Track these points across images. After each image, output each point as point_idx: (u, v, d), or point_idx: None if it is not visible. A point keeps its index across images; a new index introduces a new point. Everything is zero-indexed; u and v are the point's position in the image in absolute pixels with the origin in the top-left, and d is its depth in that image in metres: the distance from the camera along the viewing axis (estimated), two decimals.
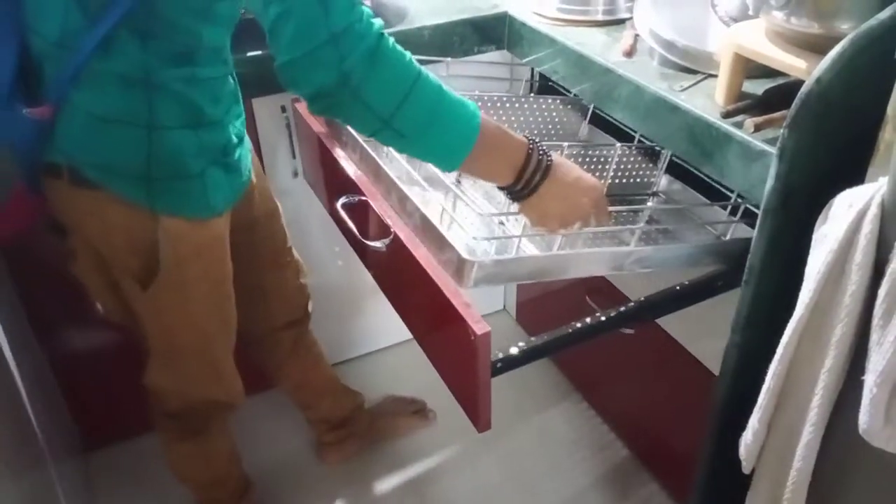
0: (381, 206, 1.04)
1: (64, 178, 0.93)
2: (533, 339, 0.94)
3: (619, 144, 1.24)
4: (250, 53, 1.21)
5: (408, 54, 0.84)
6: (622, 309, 1.00)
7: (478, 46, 1.42)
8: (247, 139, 1.09)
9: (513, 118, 1.37)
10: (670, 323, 1.32)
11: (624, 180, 1.29)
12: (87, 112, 0.88)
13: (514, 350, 0.92)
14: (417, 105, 0.83)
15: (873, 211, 0.69)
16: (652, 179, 1.30)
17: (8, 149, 0.94)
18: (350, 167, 1.14)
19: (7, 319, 1.21)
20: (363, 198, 1.07)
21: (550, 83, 1.41)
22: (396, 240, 0.98)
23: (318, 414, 1.57)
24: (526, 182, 0.90)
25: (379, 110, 0.82)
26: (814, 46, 0.90)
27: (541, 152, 0.90)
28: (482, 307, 1.94)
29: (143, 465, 1.58)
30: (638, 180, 1.29)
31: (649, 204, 0.97)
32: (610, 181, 1.27)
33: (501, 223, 1.05)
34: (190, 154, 0.94)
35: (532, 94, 1.41)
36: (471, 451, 1.64)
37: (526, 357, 0.93)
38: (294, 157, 1.46)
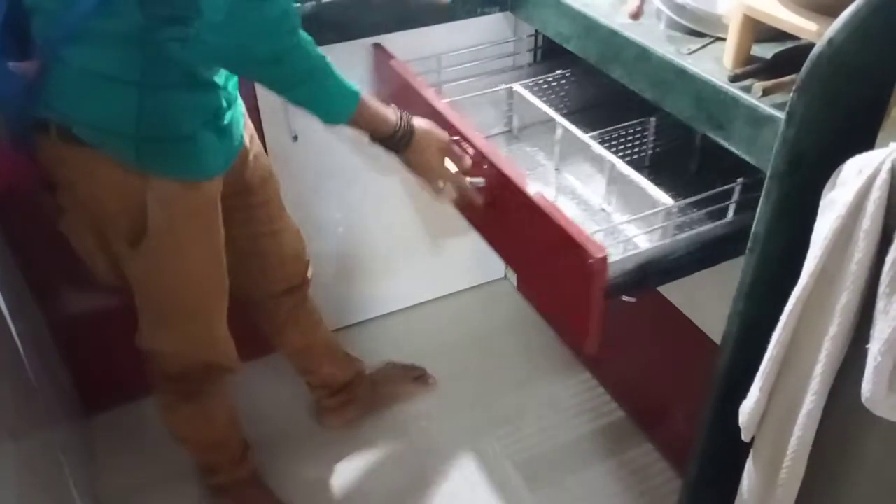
0: (480, 142, 1.10)
1: (52, 135, 0.92)
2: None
3: (652, 119, 1.25)
4: None
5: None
6: None
7: (481, 8, 1.40)
8: (240, 102, 1.07)
9: (553, 97, 1.37)
10: (672, 291, 1.31)
11: (663, 148, 1.30)
12: (79, 67, 0.87)
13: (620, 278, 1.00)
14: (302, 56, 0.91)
15: (883, 177, 0.68)
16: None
17: None
18: (444, 109, 1.18)
19: (5, 283, 1.21)
20: (457, 137, 1.11)
21: (555, 46, 1.38)
22: (499, 174, 1.04)
23: (319, 379, 1.58)
24: (403, 131, 1.03)
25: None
26: (825, 8, 0.88)
27: (403, 117, 1.04)
28: (482, 275, 1.94)
29: (145, 428, 1.59)
30: (680, 143, 1.29)
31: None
32: (651, 151, 1.30)
33: (603, 209, 1.18)
34: (181, 115, 0.93)
35: (569, 72, 1.41)
36: (469, 417, 1.65)
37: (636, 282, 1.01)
38: (290, 120, 1.43)
